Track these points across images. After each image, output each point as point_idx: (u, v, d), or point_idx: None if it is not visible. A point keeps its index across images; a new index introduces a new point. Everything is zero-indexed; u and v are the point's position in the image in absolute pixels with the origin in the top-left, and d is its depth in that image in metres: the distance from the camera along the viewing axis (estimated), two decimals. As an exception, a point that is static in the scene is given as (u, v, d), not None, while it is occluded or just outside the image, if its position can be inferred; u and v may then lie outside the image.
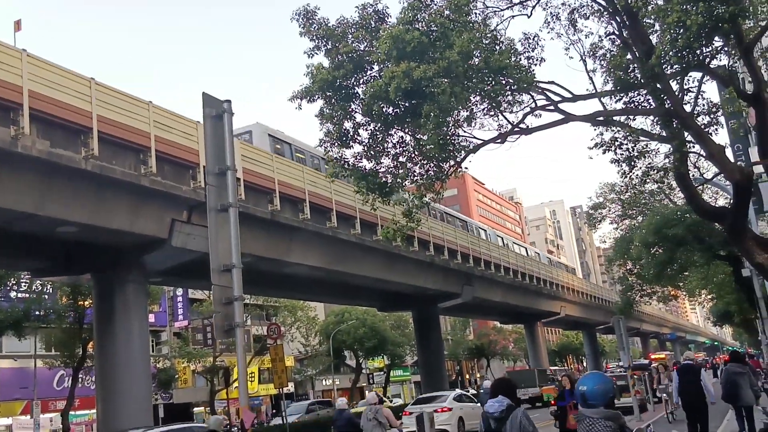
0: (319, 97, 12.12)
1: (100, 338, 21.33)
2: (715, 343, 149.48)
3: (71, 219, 17.85)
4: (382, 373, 64.12)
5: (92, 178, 17.53)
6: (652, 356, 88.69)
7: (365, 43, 12.07)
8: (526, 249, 62.34)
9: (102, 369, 21.10)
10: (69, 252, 21.21)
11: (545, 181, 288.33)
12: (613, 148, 12.62)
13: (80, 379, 31.01)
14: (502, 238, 56.32)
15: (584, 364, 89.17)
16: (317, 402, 41.40)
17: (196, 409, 50.24)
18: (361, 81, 12.30)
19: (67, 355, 30.61)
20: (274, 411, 53.58)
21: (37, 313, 29.31)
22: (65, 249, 21.07)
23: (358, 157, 13.02)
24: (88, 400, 35.76)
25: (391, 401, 54.47)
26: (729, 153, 15.46)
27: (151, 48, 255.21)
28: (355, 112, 12.40)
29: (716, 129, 12.56)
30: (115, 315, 20.73)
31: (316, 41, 12.15)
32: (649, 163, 13.73)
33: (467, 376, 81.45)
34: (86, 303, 28.72)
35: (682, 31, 9.21)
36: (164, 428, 18.27)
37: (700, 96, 11.97)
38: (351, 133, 12.58)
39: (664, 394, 21.43)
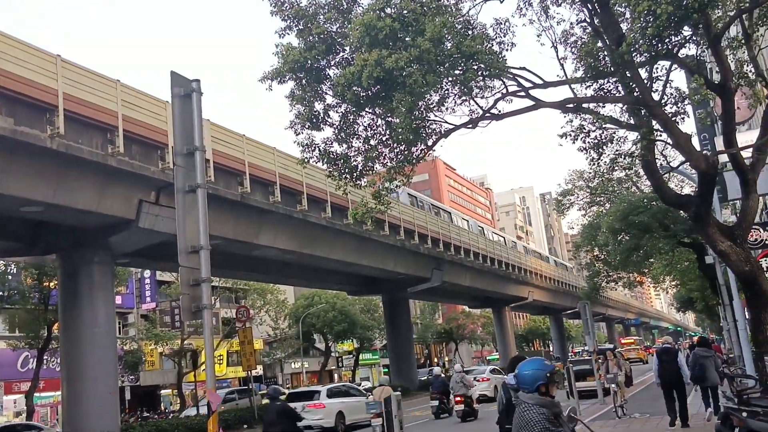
0: (289, 78, 12.01)
1: (65, 320, 21.08)
2: (678, 328, 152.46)
3: (35, 198, 17.56)
4: (351, 356, 64.35)
5: (58, 157, 17.24)
6: (622, 341, 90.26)
7: (337, 24, 11.98)
8: (504, 238, 62.77)
9: (67, 351, 20.89)
10: (34, 232, 20.88)
11: (516, 168, 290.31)
12: (581, 136, 12.73)
13: (45, 361, 30.59)
14: (483, 229, 56.65)
15: (551, 348, 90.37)
16: (236, 390, 37.57)
17: (163, 392, 49.99)
18: (332, 63, 12.22)
19: (31, 337, 30.18)
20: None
21: (0, 293, 28.83)
22: (30, 229, 20.74)
23: (329, 142, 12.96)
24: (52, 381, 35.39)
25: (359, 385, 54.67)
26: (695, 142, 15.70)
27: (120, 29, 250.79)
28: (326, 93, 12.32)
29: (683, 118, 12.73)
30: (81, 296, 20.50)
31: (288, 21, 12.02)
32: (617, 150, 13.88)
33: (436, 360, 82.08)
34: (52, 284, 28.32)
35: (652, 19, 9.28)
36: None
37: (668, 85, 12.11)
38: (321, 115, 12.50)
39: (613, 385, 18.06)
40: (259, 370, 54.05)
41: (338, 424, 22.35)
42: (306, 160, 13.12)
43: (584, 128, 12.62)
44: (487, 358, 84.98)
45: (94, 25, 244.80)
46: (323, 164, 13.24)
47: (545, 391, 4.50)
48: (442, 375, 27.77)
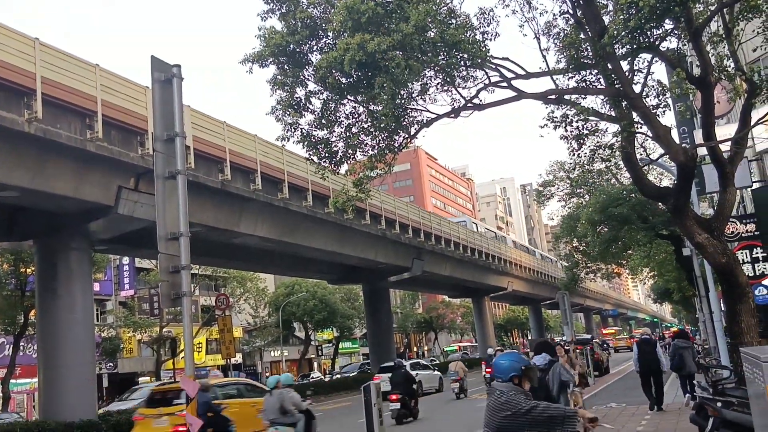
0: (271, 62, 11.92)
1: (42, 306, 20.88)
2: (655, 319, 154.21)
3: (12, 183, 17.33)
4: (331, 345, 64.47)
5: (35, 142, 17.02)
6: (604, 331, 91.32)
7: (321, 9, 11.90)
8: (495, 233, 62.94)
9: (44, 337, 20.70)
10: (10, 217, 20.64)
11: (497, 158, 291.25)
12: (563, 125, 12.77)
13: (21, 347, 30.33)
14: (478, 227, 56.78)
15: (529, 338, 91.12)
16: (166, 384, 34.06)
17: (141, 379, 49.75)
18: (315, 48, 12.15)
19: (7, 323, 29.90)
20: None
21: (-24, 279, 28.52)
22: (6, 214, 20.49)
23: (311, 126, 12.89)
24: (29, 368, 35.08)
25: (338, 375, 54.86)
26: (675, 135, 15.82)
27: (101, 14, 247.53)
28: (308, 79, 12.25)
29: (663, 111, 12.81)
30: (58, 282, 20.31)
31: (271, 4, 11.92)
32: (597, 142, 13.94)
33: (415, 349, 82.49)
34: (29, 270, 28.04)
35: (634, 12, 9.32)
36: None
37: (649, 77, 12.18)
38: (303, 102, 12.42)
39: (576, 389, 13.47)
40: (238, 358, 53.98)
41: (418, 389, 25.11)
42: (286, 140, 13.01)
43: (567, 116, 12.67)
44: (445, 349, 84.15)
45: (94, 25, 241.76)
46: (303, 147, 13.15)
47: (518, 383, 4.65)
48: (405, 368, 23.51)
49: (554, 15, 12.59)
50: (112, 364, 45.70)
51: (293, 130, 12.68)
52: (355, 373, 46.77)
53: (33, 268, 25.10)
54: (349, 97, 12.16)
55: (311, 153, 13.02)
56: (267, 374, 58.06)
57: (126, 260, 47.84)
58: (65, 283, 20.34)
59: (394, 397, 19.64)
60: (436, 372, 34.94)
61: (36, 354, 23.50)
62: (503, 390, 4.61)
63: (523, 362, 4.77)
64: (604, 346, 47.01)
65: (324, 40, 12.04)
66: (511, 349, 47.79)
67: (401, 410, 19.63)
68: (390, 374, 22.60)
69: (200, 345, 50.91)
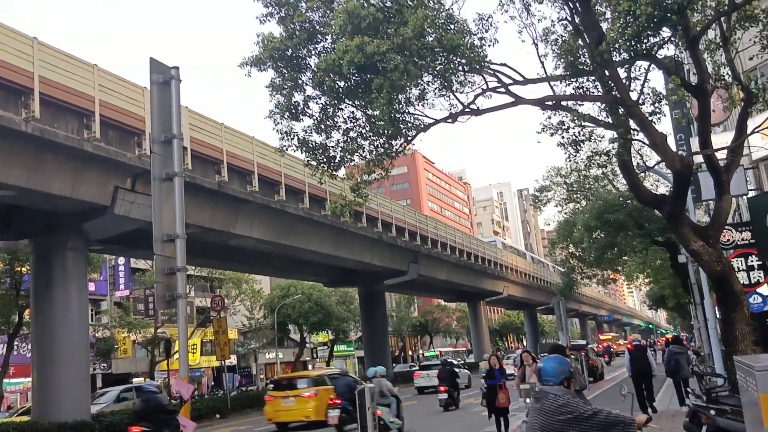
0: (269, 66, 11.93)
1: (37, 305, 20.85)
2: (650, 326, 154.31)
3: (8, 182, 17.31)
4: (326, 347, 64.36)
5: (32, 141, 17.01)
6: (601, 337, 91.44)
7: (320, 13, 11.91)
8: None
9: (39, 337, 20.67)
10: (6, 216, 20.61)
11: (494, 163, 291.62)
12: (560, 132, 12.80)
13: (15, 347, 30.20)
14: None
15: (524, 343, 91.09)
16: (132, 388, 30.42)
17: (135, 380, 49.62)
18: (313, 52, 12.16)
19: (2, 322, 29.78)
20: (214, 384, 53.39)
21: (-29, 278, 28.41)
22: (3, 213, 20.47)
23: (309, 131, 12.90)
24: (23, 368, 35.00)
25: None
26: (671, 142, 15.84)
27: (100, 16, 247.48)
28: (306, 84, 12.26)
29: (660, 118, 12.84)
30: (54, 282, 20.28)
31: (269, 8, 11.92)
32: (594, 149, 13.97)
33: (410, 353, 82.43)
34: (24, 269, 27.96)
35: (631, 19, 9.35)
36: None
37: (646, 85, 12.21)
38: (301, 106, 12.44)
39: (529, 399, 11.59)
40: (233, 359, 53.89)
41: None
42: (284, 148, 13.04)
43: (564, 123, 12.70)
44: (426, 354, 74.25)
45: (95, 24, 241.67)
46: (302, 153, 13.17)
47: (567, 385, 4.61)
48: (452, 365, 28.39)
49: (552, 21, 12.63)
50: (106, 365, 45.59)
51: (290, 138, 12.70)
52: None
53: (28, 268, 25.04)
54: (347, 101, 12.17)
55: (309, 158, 13.03)
56: (261, 376, 58.00)
57: (121, 260, 47.74)
58: (60, 282, 20.31)
59: (442, 388, 23.70)
60: (465, 370, 37.48)
61: (30, 353, 23.44)
62: (557, 393, 4.53)
63: (570, 365, 4.75)
64: (610, 350, 47.12)
65: (322, 44, 12.05)
66: (505, 354, 47.71)
67: (447, 399, 23.50)
68: (428, 371, 32.40)
69: (195, 346, 50.77)
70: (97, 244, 23.82)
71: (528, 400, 15.82)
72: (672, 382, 17.67)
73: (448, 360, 29.32)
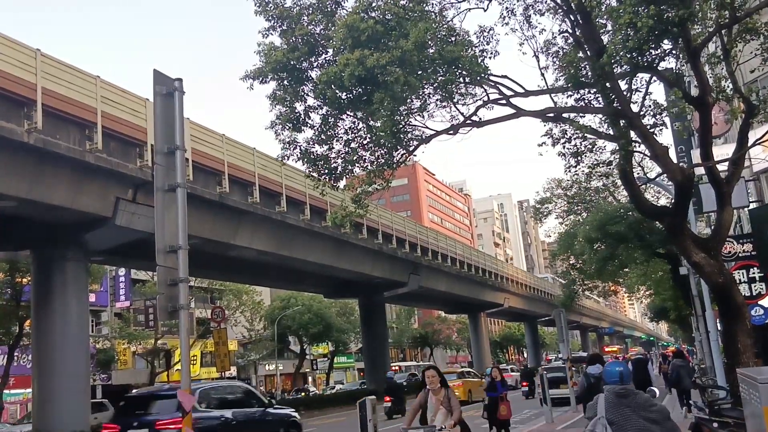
0: (271, 79, 11.98)
1: (37, 316, 20.82)
2: (651, 338, 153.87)
3: (10, 193, 17.33)
4: (326, 359, 64.19)
5: (34, 152, 17.04)
6: (606, 349, 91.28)
7: (321, 26, 11.98)
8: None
9: (39, 348, 20.62)
10: (7, 227, 20.61)
11: (494, 174, 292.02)
12: (561, 142, 12.84)
13: (16, 358, 30.14)
14: None
15: (525, 355, 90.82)
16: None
17: (134, 391, 49.44)
18: (315, 64, 12.21)
19: (2, 333, 29.73)
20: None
21: (-29, 288, 28.38)
22: (3, 223, 20.45)
23: (310, 143, 12.93)
24: (23, 378, 34.91)
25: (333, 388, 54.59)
26: (672, 154, 15.87)
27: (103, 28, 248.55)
28: (308, 95, 12.31)
29: (661, 130, 12.87)
30: (54, 293, 20.26)
31: (272, 21, 11.99)
32: (595, 160, 14.00)
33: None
34: (24, 280, 27.94)
35: (633, 32, 9.39)
36: None
37: (647, 97, 12.25)
38: (302, 117, 12.47)
39: None
40: (233, 371, 53.72)
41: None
42: (285, 158, 13.06)
43: (566, 133, 12.73)
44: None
45: (98, 29, 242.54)
46: (303, 164, 13.20)
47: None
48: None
49: (553, 34, 12.72)
50: (106, 376, 45.46)
51: (292, 148, 12.73)
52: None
53: (29, 278, 25.02)
54: (348, 112, 12.22)
55: (311, 170, 13.06)
56: (261, 388, 57.77)
57: (122, 271, 47.71)
58: (61, 293, 20.28)
59: (387, 398, 27.65)
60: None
61: (30, 364, 23.38)
62: (643, 394, 5.19)
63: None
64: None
65: (324, 56, 12.11)
66: (506, 366, 47.51)
67: (392, 407, 27.21)
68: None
69: (195, 357, 50.65)
70: (97, 255, 23.82)
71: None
72: (676, 393, 18.90)
73: (391, 376, 30.98)
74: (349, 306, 56.95)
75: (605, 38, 11.36)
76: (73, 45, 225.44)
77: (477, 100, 12.67)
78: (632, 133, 11.76)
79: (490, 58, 12.13)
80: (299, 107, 12.46)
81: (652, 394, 5.30)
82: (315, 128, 12.69)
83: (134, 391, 18.55)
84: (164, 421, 11.80)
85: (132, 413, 13.00)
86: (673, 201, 12.45)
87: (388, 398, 27.92)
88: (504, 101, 12.40)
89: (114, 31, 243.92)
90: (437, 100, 12.67)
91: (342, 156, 12.97)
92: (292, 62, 11.80)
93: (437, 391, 8.27)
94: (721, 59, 11.75)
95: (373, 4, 11.11)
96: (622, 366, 5.27)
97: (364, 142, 12.84)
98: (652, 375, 18.81)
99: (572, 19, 11.54)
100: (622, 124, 11.64)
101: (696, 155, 15.46)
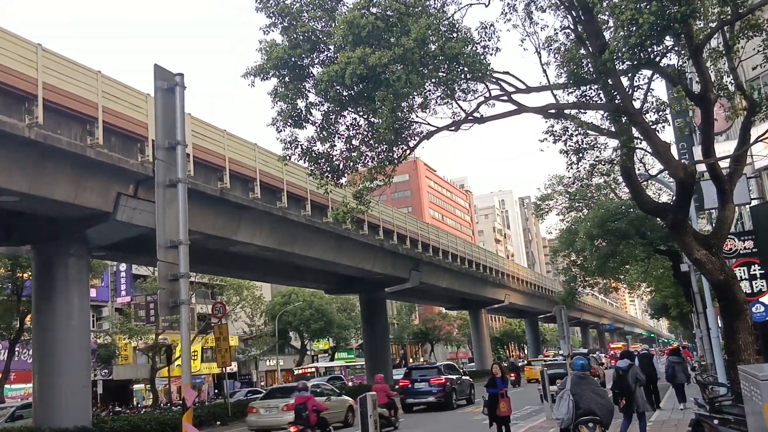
0: (273, 75, 11.97)
1: (38, 312, 20.83)
2: (652, 335, 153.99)
3: (11, 188, 17.31)
4: (327, 355, 64.28)
5: (35, 147, 17.02)
6: (612, 345, 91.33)
7: (322, 23, 11.96)
8: None
9: (40, 343, 20.63)
10: (8, 222, 20.61)
11: (496, 171, 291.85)
12: (563, 139, 12.83)
13: (17, 353, 30.20)
14: None
15: (526, 351, 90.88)
16: (24, 406, 27.62)
17: (136, 386, 49.58)
18: (316, 61, 12.20)
19: (3, 328, 29.80)
20: (216, 390, 53.28)
21: (-28, 284, 28.45)
22: (4, 219, 20.46)
23: (312, 141, 12.93)
24: (24, 374, 34.98)
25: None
26: (674, 151, 15.87)
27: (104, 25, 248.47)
28: (309, 91, 12.30)
29: (663, 127, 12.86)
30: (55, 288, 20.26)
31: (273, 18, 11.98)
32: (597, 157, 13.98)
33: (411, 360, 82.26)
34: (25, 275, 27.98)
35: (635, 28, 9.36)
36: None
37: (649, 93, 12.23)
38: (304, 113, 12.47)
39: None
40: (233, 366, 53.81)
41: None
42: (287, 157, 13.08)
43: (568, 130, 12.72)
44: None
45: (99, 24, 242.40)
46: (305, 162, 13.20)
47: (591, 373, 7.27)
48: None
49: (555, 30, 12.67)
50: (107, 371, 45.55)
51: (293, 147, 12.74)
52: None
53: (30, 274, 25.03)
54: (349, 109, 12.21)
55: (313, 168, 13.06)
56: (262, 384, 57.86)
57: (123, 267, 47.78)
58: (62, 289, 20.28)
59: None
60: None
61: (31, 360, 23.40)
62: (592, 378, 7.05)
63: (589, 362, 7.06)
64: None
65: (325, 53, 12.10)
66: (507, 363, 47.51)
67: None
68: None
69: (196, 353, 50.72)
70: (98, 251, 23.80)
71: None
72: (672, 387, 20.22)
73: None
74: (350, 302, 56.99)
75: (607, 34, 11.35)
76: (74, 40, 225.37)
77: (478, 97, 12.67)
78: (634, 130, 11.75)
79: (491, 54, 12.12)
80: (301, 104, 12.46)
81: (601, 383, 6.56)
82: (316, 125, 12.69)
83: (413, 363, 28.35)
84: (433, 379, 26.85)
85: (413, 375, 27.76)
86: (674, 198, 12.44)
87: None
88: (505, 98, 12.39)
89: (114, 25, 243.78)
90: (439, 96, 12.66)
91: (343, 153, 12.97)
92: (293, 59, 11.79)
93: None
94: (723, 55, 11.74)
95: (374, 0, 11.09)
96: (584, 360, 7.72)
97: (366, 138, 12.84)
98: (658, 369, 20.32)
99: (574, 15, 11.53)
100: (623, 121, 11.63)
101: (698, 152, 15.46)
